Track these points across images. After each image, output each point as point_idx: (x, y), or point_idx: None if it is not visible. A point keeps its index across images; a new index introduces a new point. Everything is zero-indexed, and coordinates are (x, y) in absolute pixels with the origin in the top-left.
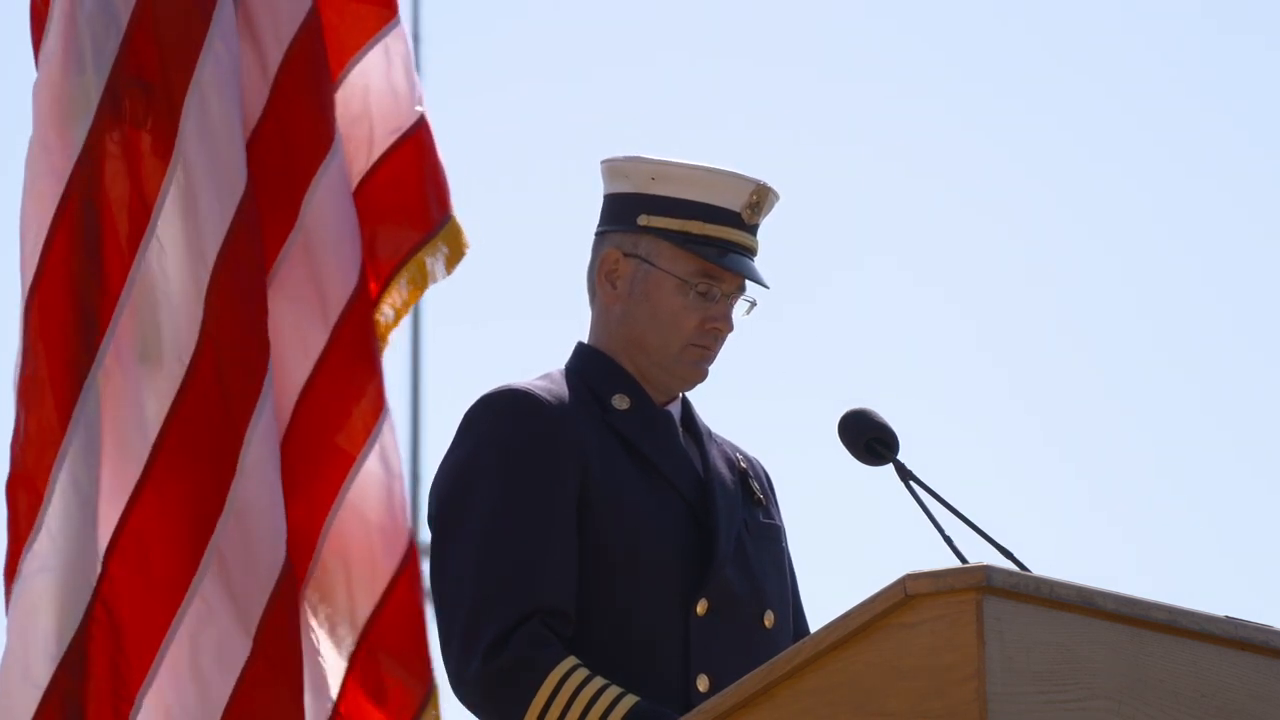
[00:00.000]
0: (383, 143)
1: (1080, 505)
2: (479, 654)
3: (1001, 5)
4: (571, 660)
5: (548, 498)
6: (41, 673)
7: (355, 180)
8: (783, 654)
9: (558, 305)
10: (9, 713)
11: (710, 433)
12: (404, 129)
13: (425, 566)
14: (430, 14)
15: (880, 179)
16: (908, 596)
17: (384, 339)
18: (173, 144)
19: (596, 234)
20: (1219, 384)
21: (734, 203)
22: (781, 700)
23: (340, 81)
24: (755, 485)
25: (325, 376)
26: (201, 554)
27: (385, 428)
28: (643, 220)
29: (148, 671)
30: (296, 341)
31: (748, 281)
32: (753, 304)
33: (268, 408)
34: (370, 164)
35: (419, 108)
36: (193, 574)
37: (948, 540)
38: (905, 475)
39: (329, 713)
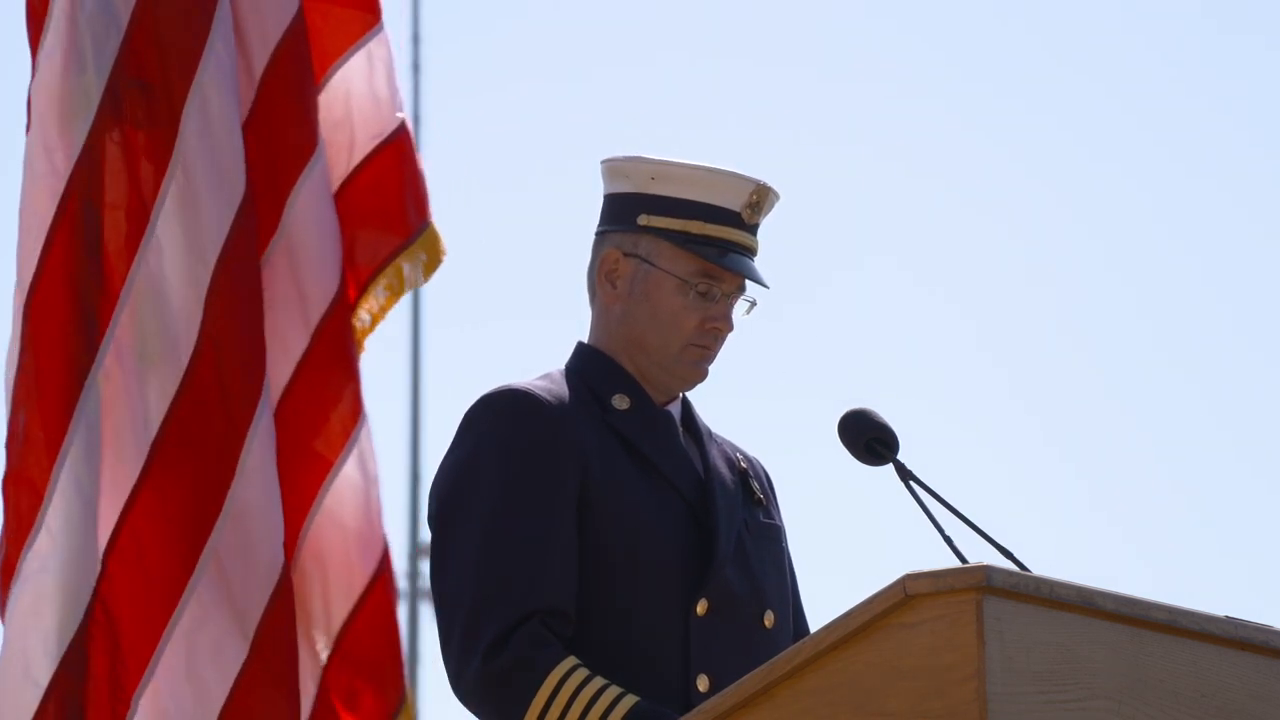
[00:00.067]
0: (364, 148)
1: (1080, 505)
2: (479, 654)
3: (1001, 5)
4: (571, 660)
5: (548, 498)
6: (42, 672)
7: (335, 184)
8: (783, 654)
9: (558, 305)
10: (10, 711)
11: (710, 433)
12: (385, 134)
13: (425, 566)
14: (430, 14)
15: (880, 179)
16: (908, 596)
17: (360, 344)
18: (173, 144)
19: (596, 234)
20: (1219, 384)
21: (734, 202)
22: (781, 700)
23: (323, 85)
24: (755, 485)
25: (304, 381)
26: (198, 555)
27: (363, 433)
28: (643, 220)
29: (143, 672)
30: (277, 345)
31: (748, 281)
32: (753, 304)
33: (267, 410)
34: (351, 169)
35: (400, 114)
36: (189, 575)
37: (948, 540)
38: (905, 475)
39: (305, 718)
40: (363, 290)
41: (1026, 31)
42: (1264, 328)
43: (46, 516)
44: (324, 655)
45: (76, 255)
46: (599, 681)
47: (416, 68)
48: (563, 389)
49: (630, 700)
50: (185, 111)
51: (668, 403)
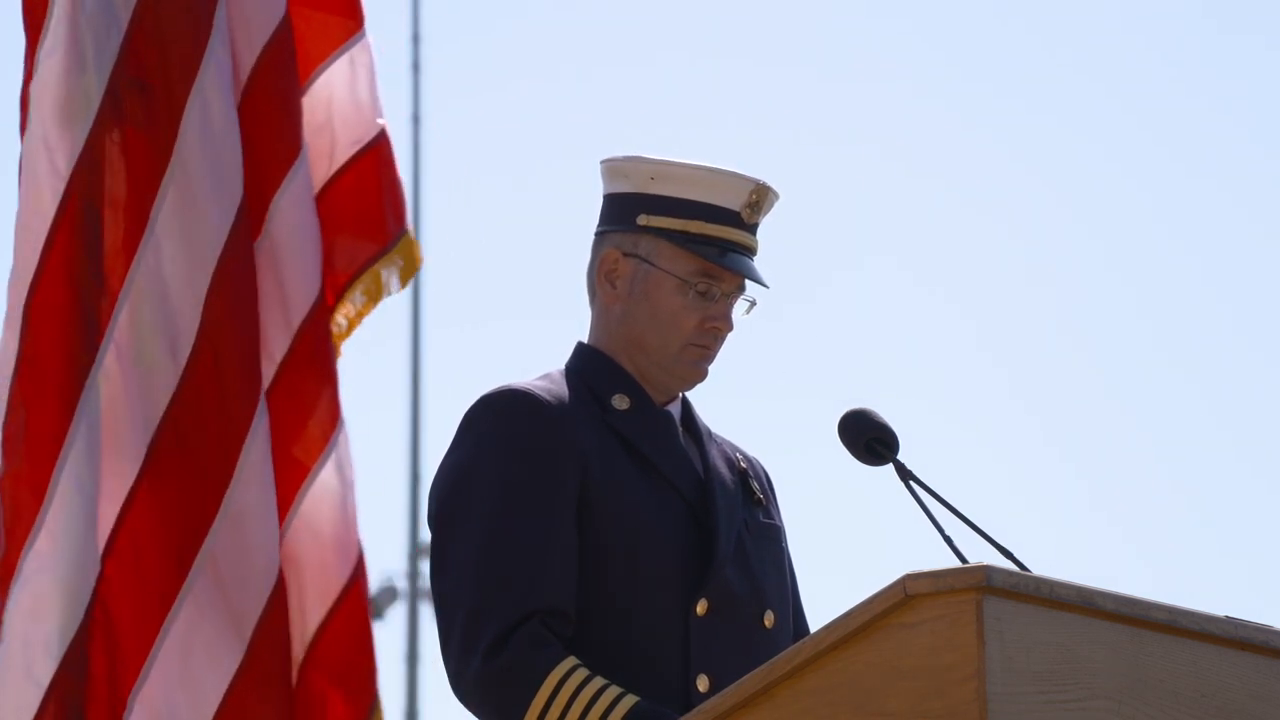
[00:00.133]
0: (344, 153)
1: (1080, 505)
2: (479, 654)
3: (1002, 5)
4: (571, 660)
5: (548, 498)
6: (43, 671)
7: (316, 188)
8: (783, 654)
9: (558, 305)
10: (11, 711)
11: (710, 433)
12: (366, 140)
13: (425, 566)
14: (430, 14)
15: (880, 179)
16: (908, 596)
17: (336, 348)
18: (173, 145)
19: (596, 234)
20: (1219, 384)
21: (733, 202)
22: (781, 700)
23: (305, 89)
24: (755, 485)
25: (285, 384)
26: (194, 556)
27: (341, 439)
28: (642, 220)
29: (139, 672)
30: (261, 347)
31: (747, 281)
32: (752, 303)
33: (265, 412)
34: (331, 173)
35: (380, 120)
36: (185, 576)
37: (948, 540)
38: (905, 475)
39: None
40: (340, 295)
41: (1026, 31)
42: (1264, 328)
43: (47, 516)
44: (299, 660)
45: (77, 255)
46: (599, 682)
47: (416, 68)
48: (562, 389)
49: (630, 700)
50: (186, 112)
51: (667, 403)
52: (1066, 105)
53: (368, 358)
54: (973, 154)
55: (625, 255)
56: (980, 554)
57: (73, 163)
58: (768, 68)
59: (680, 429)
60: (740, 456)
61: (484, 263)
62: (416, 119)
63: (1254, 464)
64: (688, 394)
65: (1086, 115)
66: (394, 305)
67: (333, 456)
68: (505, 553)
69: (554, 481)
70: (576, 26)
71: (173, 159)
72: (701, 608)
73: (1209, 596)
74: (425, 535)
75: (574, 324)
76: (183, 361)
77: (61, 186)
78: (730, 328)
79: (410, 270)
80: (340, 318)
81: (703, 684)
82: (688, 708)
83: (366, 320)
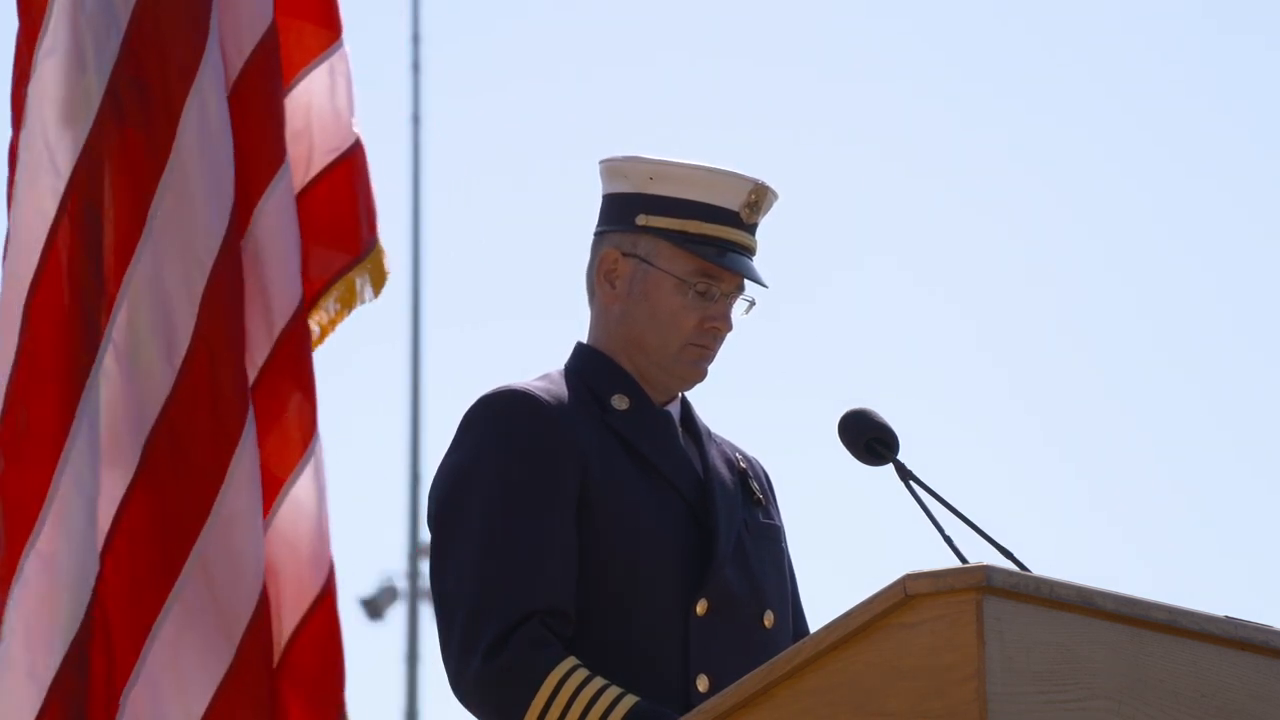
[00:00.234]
0: (321, 161)
1: (1080, 505)
2: (479, 654)
3: (1001, 5)
4: (571, 661)
5: (547, 498)
6: (45, 671)
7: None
8: (783, 654)
9: (557, 305)
10: (13, 710)
11: (710, 433)
12: (342, 149)
13: (425, 566)
14: (430, 14)
15: (880, 179)
16: (908, 596)
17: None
18: (170, 145)
19: (595, 234)
20: (1219, 384)
21: (732, 202)
22: (781, 700)
23: (285, 95)
24: (755, 485)
25: (264, 389)
26: (185, 559)
27: (317, 449)
28: (641, 220)
29: (131, 673)
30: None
31: (747, 281)
32: (752, 303)
33: (254, 418)
34: (307, 180)
35: (356, 130)
36: (176, 578)
37: (948, 540)
38: (905, 475)
39: None
40: (313, 302)
41: (1026, 31)
42: (1264, 328)
43: (48, 517)
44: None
45: (77, 255)
46: (599, 682)
47: (416, 68)
48: (562, 389)
49: (630, 700)
50: (184, 112)
51: (667, 403)
52: (1066, 105)
53: (368, 358)
54: (973, 154)
55: (624, 255)
56: (980, 554)
57: (73, 163)
58: (768, 68)
59: (680, 429)
60: (740, 456)
61: (484, 263)
62: (416, 119)
63: (1254, 464)
64: (687, 394)
65: (1086, 115)
66: (394, 305)
67: (309, 465)
68: (505, 553)
69: (554, 481)
70: (576, 26)
71: (170, 159)
72: (701, 608)
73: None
74: (425, 535)
75: (574, 324)
76: (178, 363)
77: (61, 186)
78: (729, 327)
79: (380, 280)
80: (313, 324)
81: (702, 684)
82: (688, 708)
83: (366, 321)
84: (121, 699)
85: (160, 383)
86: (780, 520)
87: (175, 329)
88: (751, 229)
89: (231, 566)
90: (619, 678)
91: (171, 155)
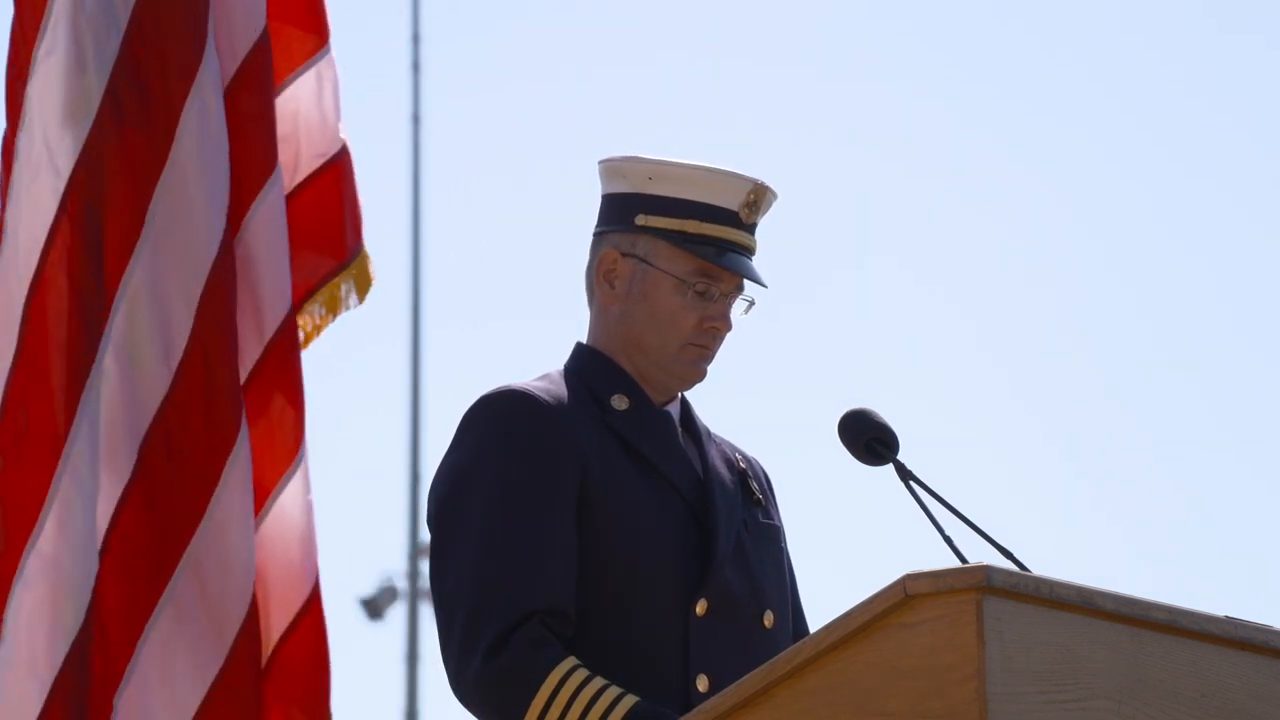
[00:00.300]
0: (307, 166)
1: (1080, 505)
2: (479, 654)
3: (1001, 5)
4: (571, 661)
5: (547, 498)
6: (47, 671)
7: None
8: (783, 654)
9: (557, 305)
10: (15, 709)
11: (709, 433)
12: (329, 155)
13: (425, 566)
14: (430, 14)
15: (880, 179)
16: (908, 596)
17: None
18: (169, 146)
19: (594, 234)
20: (1219, 384)
21: (732, 202)
22: (781, 700)
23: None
24: (754, 485)
25: (253, 396)
26: (177, 562)
27: (304, 454)
28: (640, 220)
29: (124, 673)
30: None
31: (746, 281)
32: (751, 303)
33: (247, 421)
34: (294, 185)
35: (342, 135)
36: (168, 581)
37: (948, 540)
38: (905, 475)
39: None
40: (299, 307)
41: (1026, 31)
42: (1264, 328)
43: (49, 517)
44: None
45: (77, 255)
46: (599, 682)
47: (416, 68)
48: (561, 389)
49: (630, 700)
50: (184, 112)
51: (667, 403)
52: (1066, 105)
53: (368, 358)
54: (973, 154)
55: (623, 255)
56: (980, 554)
57: (73, 163)
58: (768, 68)
59: (679, 429)
60: (740, 456)
61: (484, 263)
62: (416, 119)
63: (1254, 464)
64: (687, 394)
65: (1086, 115)
66: (394, 305)
67: (298, 471)
68: (505, 553)
69: (554, 481)
70: (576, 26)
71: (169, 160)
72: (701, 608)
73: (1209, 596)
74: (425, 535)
75: (573, 324)
76: (175, 364)
77: (61, 186)
78: (729, 327)
79: (365, 286)
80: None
81: (702, 684)
82: (687, 708)
83: (366, 321)
84: (115, 699)
85: (157, 384)
86: (780, 520)
87: (173, 330)
88: (751, 229)
89: (224, 569)
90: (619, 678)
91: (171, 155)
